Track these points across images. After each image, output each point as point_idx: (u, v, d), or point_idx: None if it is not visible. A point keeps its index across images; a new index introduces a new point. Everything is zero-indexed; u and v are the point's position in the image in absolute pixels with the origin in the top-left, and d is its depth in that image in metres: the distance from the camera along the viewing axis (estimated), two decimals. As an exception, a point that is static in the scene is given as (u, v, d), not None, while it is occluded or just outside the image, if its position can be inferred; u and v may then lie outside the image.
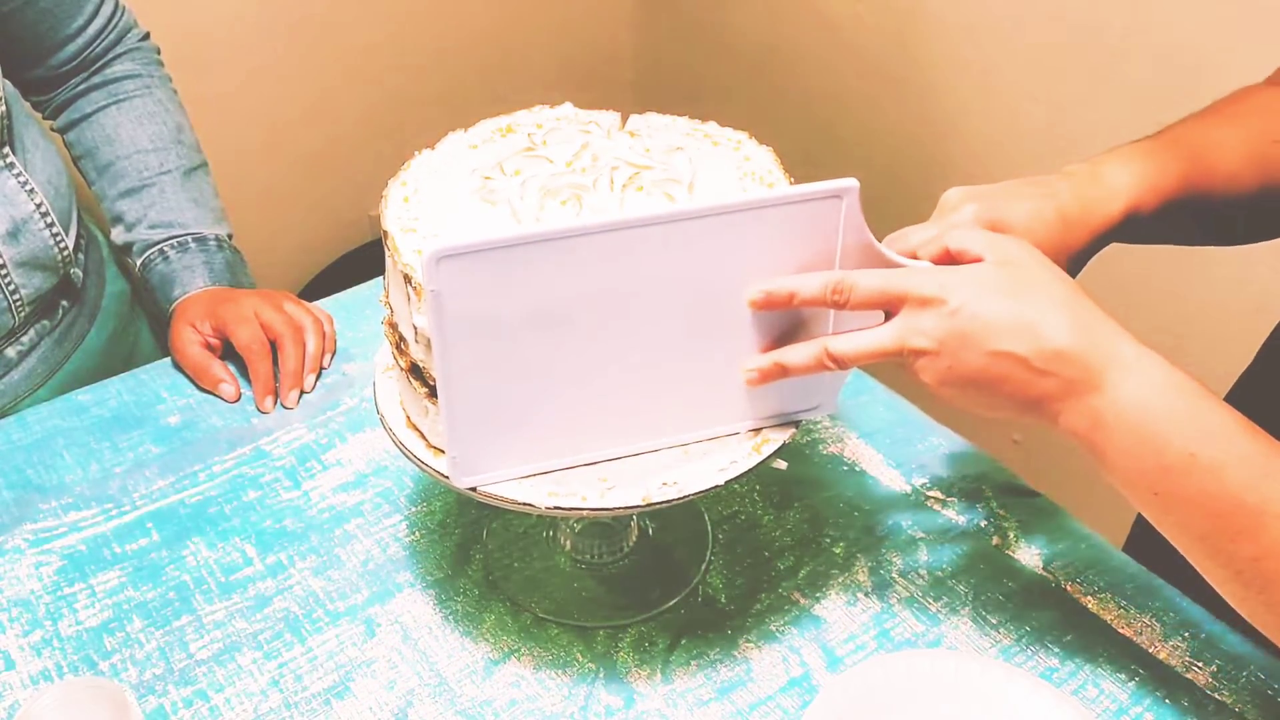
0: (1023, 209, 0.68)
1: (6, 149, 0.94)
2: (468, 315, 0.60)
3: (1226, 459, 0.57)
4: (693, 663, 0.76)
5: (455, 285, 0.59)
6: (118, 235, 1.07)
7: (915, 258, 0.66)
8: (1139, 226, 0.70)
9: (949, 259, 0.64)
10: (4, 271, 0.94)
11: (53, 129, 1.10)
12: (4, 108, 0.93)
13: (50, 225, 0.97)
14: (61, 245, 0.98)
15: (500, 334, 0.61)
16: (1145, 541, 0.96)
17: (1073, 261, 0.69)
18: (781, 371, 0.65)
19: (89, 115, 1.07)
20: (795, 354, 0.65)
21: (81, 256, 1.05)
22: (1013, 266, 0.61)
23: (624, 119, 0.75)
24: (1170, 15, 1.26)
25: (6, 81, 0.97)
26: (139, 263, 1.06)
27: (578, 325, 0.62)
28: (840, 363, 0.63)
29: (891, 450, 0.92)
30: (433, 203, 0.68)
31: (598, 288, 0.61)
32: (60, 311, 1.03)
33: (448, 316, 0.60)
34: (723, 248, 0.62)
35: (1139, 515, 0.97)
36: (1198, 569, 0.61)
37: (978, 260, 0.62)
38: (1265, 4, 1.18)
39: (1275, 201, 0.74)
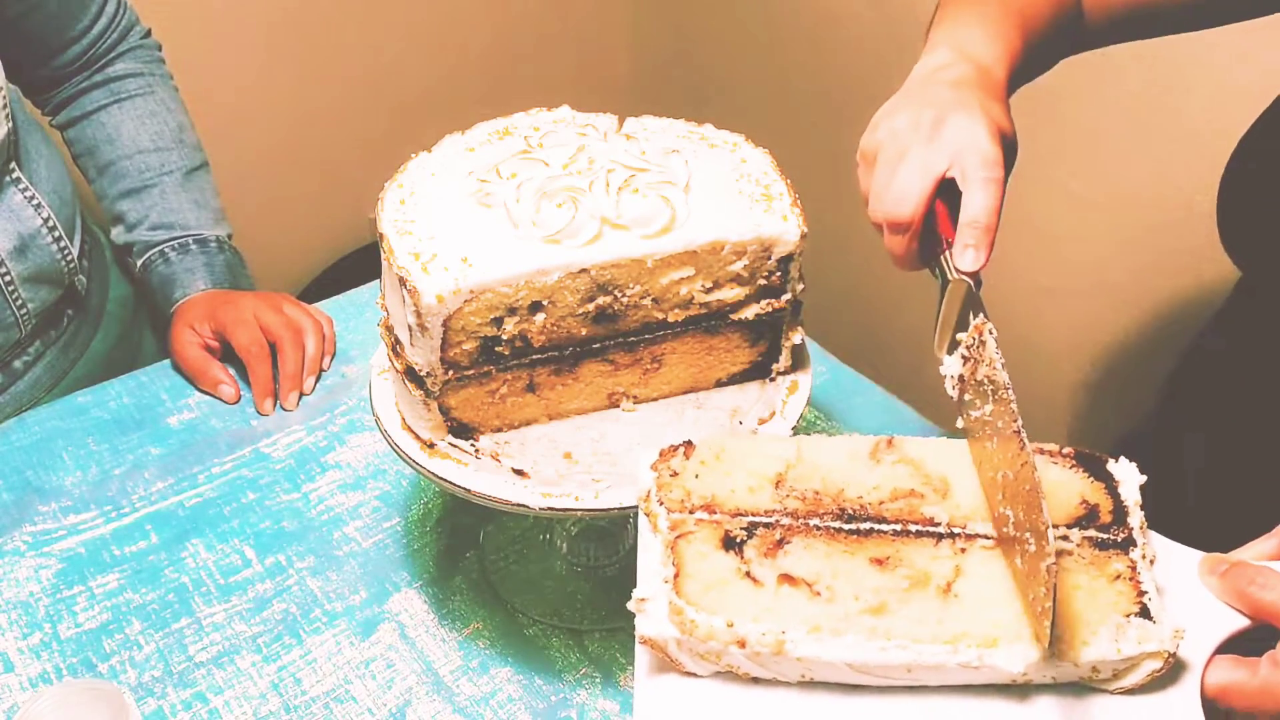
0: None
1: (13, 164, 0.94)
2: None
3: None
4: (690, 664, 0.76)
5: None
6: (118, 235, 1.07)
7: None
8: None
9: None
10: (11, 287, 0.93)
11: (51, 124, 1.09)
12: (11, 124, 0.93)
13: (58, 239, 0.97)
14: (67, 256, 0.98)
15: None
16: None
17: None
18: None
19: (90, 113, 1.07)
20: None
21: (85, 263, 1.05)
22: None
23: (621, 121, 0.75)
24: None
25: (14, 88, 0.97)
26: (139, 263, 1.06)
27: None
28: None
29: (889, 451, 0.91)
30: (428, 205, 0.68)
31: None
32: (65, 320, 1.03)
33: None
34: None
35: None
36: None
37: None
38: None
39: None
